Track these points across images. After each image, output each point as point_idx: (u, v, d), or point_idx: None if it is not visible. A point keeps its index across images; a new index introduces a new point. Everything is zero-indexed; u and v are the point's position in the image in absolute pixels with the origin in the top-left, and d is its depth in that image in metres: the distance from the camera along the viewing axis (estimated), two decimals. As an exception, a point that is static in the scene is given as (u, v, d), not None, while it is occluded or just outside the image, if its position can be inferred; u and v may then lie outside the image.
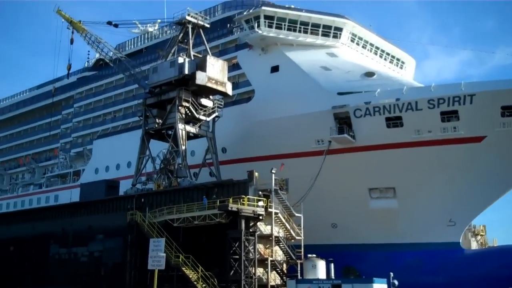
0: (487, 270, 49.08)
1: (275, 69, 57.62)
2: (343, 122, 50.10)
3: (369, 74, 54.17)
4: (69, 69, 72.84)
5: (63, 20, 66.55)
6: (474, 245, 58.19)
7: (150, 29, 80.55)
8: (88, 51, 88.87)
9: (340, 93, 50.83)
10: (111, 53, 63.74)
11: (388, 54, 65.08)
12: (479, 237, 59.83)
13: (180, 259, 40.79)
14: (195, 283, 39.95)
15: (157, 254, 37.94)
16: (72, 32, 66.47)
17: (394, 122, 48.36)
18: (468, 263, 50.12)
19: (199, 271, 40.16)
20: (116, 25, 67.32)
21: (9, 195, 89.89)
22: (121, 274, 47.75)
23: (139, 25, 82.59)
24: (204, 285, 39.62)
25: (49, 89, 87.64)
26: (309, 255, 42.29)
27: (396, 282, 39.19)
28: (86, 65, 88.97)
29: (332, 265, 41.39)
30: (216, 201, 41.39)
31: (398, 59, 66.60)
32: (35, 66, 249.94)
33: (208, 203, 42.19)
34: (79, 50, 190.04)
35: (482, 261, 50.95)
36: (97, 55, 78.35)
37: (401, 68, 67.14)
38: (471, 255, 52.26)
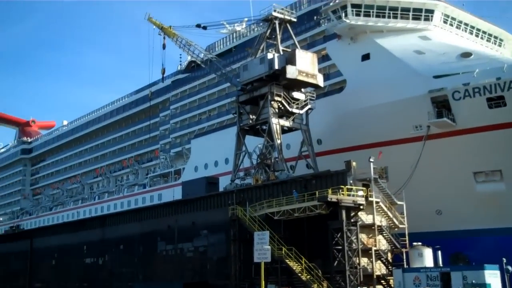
0: None
1: (366, 57, 56.78)
2: (441, 106, 48.68)
3: (466, 54, 52.24)
4: (163, 73, 74.88)
5: (154, 27, 68.75)
6: None
7: (238, 28, 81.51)
8: (180, 54, 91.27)
9: (436, 76, 49.39)
10: (202, 54, 65.14)
11: (484, 32, 62.31)
12: None
13: (283, 251, 41.17)
14: (299, 274, 40.24)
15: (262, 247, 38.42)
16: (164, 38, 68.25)
17: (496, 102, 46.42)
18: None
19: (303, 262, 40.38)
20: (204, 27, 68.56)
21: (115, 196, 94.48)
22: (226, 267, 48.95)
23: (227, 25, 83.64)
24: (308, 276, 39.80)
25: (146, 94, 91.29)
26: (415, 243, 41.42)
27: (510, 268, 37.55)
28: (179, 68, 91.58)
29: (439, 253, 40.19)
30: (315, 192, 41.43)
31: (495, 37, 63.60)
32: (132, 73, 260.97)
33: (306, 195, 42.31)
34: (171, 54, 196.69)
35: None
36: (189, 58, 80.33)
37: (499, 46, 64.05)
38: None
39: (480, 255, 45.53)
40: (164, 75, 76.88)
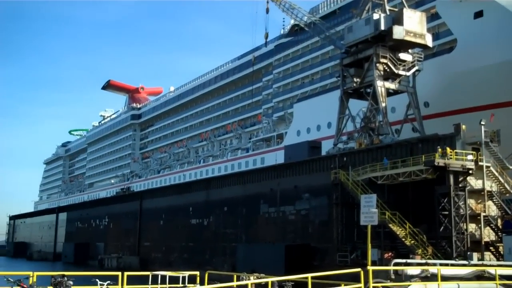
0: None
1: (478, 14, 53.62)
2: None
3: None
4: (266, 37, 75.02)
5: (258, -9, 68.69)
6: None
7: (343, -11, 79.61)
8: (283, 18, 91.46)
9: None
10: (305, 17, 64.65)
11: None
12: None
13: (387, 216, 40.40)
14: (403, 239, 39.41)
15: (369, 210, 37.87)
16: (267, 2, 68.19)
17: None
18: None
19: (407, 227, 39.51)
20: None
21: (219, 160, 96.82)
22: (328, 231, 48.91)
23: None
24: (412, 241, 38.91)
25: (249, 59, 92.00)
26: (527, 209, 39.28)
27: None
28: (282, 32, 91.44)
29: (555, 218, 37.94)
30: (421, 156, 40.08)
31: None
32: (236, 39, 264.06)
33: (412, 159, 40.97)
34: (275, 18, 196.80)
35: None
36: (292, 21, 79.95)
37: None
38: None
39: None
40: (267, 40, 77.05)
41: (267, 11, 69.98)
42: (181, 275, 22.29)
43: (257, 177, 63.33)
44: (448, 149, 39.02)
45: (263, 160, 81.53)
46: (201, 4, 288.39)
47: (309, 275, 16.22)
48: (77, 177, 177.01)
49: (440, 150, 39.36)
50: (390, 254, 41.01)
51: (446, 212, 38.36)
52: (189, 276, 22.39)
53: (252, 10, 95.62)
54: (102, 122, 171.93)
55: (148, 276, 21.84)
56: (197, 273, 22.67)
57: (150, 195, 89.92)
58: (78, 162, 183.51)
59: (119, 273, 18.54)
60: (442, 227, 38.42)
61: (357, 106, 55.93)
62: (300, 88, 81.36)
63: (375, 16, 51.63)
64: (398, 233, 39.78)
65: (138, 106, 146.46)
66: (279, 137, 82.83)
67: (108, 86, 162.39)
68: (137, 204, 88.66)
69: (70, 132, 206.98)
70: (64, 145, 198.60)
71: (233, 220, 64.86)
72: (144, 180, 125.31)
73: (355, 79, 54.67)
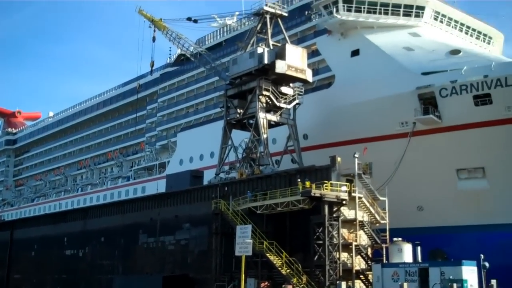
0: None
1: (355, 53, 56.47)
2: (428, 103, 48.39)
3: (455, 52, 52.15)
4: (152, 66, 74.17)
5: (144, 19, 68.11)
6: None
7: (229, 22, 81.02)
8: (170, 48, 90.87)
9: (424, 73, 49.16)
10: (192, 48, 64.76)
11: (474, 30, 62.02)
12: None
13: (264, 245, 40.80)
14: (279, 268, 39.92)
15: (244, 241, 38.33)
16: (154, 31, 67.58)
17: (482, 99, 46.19)
18: None
19: (283, 256, 40.08)
20: (195, 21, 67.99)
21: (99, 188, 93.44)
22: (207, 261, 48.49)
23: (218, 19, 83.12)
24: (288, 270, 39.48)
25: (133, 86, 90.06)
26: (395, 239, 41.14)
27: (487, 264, 37.40)
28: (168, 61, 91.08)
29: (418, 248, 40.04)
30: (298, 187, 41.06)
31: (485, 35, 63.32)
32: (121, 65, 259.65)
33: (292, 189, 41.89)
34: (161, 47, 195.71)
35: None
36: (179, 51, 79.88)
37: (488, 43, 63.83)
38: None
39: (458, 251, 45.28)
40: (153, 68, 76.22)
41: (154, 39, 69.26)
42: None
43: (137, 206, 61.95)
44: (309, 184, 40.03)
45: (144, 189, 79.70)
46: (84, 28, 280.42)
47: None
48: None
49: (299, 183, 40.87)
50: (266, 283, 41.51)
51: (321, 241, 39.25)
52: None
53: (139, 38, 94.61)
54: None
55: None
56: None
57: (22, 224, 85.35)
58: None
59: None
60: (316, 256, 39.18)
61: (240, 137, 56.50)
62: (185, 117, 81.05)
63: (259, 50, 52.73)
64: (274, 262, 40.25)
65: (14, 131, 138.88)
66: (161, 166, 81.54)
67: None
68: (7, 234, 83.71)
69: None
70: None
71: (110, 251, 62.70)
72: (17, 209, 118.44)
73: (238, 110, 55.29)
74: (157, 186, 72.86)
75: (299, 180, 42.08)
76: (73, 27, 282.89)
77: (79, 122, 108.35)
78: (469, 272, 35.12)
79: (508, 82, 44.57)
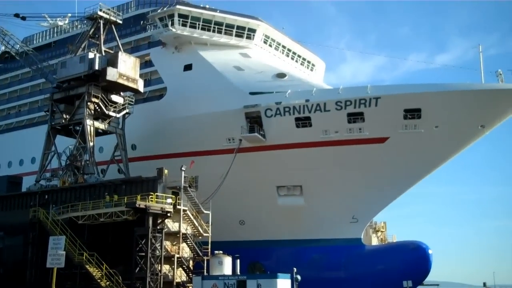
0: (385, 265, 51.25)
1: (188, 67, 57.52)
2: (254, 122, 50.70)
3: (281, 75, 55.15)
4: (-29, 61, 69.09)
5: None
6: (375, 241, 60.11)
7: (60, 23, 78.12)
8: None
9: (252, 93, 51.47)
10: (18, 46, 61.93)
11: (299, 56, 66.45)
12: (379, 233, 61.84)
13: (84, 257, 39.89)
14: (98, 280, 39.26)
15: (57, 252, 37.35)
16: (-24, 24, 63.15)
17: (303, 122, 49.45)
18: (368, 258, 52.07)
19: (103, 268, 39.45)
20: (24, 18, 64.96)
21: None
22: (21, 273, 45.90)
23: (49, 19, 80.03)
24: (108, 282, 38.99)
25: None
26: (216, 252, 42.50)
27: (299, 277, 40.07)
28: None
29: (238, 261, 41.77)
30: (123, 198, 40.73)
31: (308, 62, 68.11)
32: None
33: (114, 200, 41.41)
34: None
35: (381, 256, 53.02)
36: (3, 48, 74.86)
37: (311, 70, 68.71)
38: (371, 251, 54.12)
39: (275, 264, 48.08)
40: (-26, 65, 70.75)
41: (-25, 33, 64.54)
42: None
43: None
44: (117, 197, 40.55)
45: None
46: None
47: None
48: None
49: (108, 197, 41.14)
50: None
51: (143, 254, 39.24)
52: None
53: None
54: None
55: None
56: None
57: None
58: None
59: None
60: (138, 268, 39.09)
61: (64, 143, 54.41)
62: (5, 119, 75.93)
63: (90, 55, 51.75)
64: (94, 274, 39.56)
65: None
66: (-25, 169, 75.38)
67: None
68: None
69: None
70: None
71: None
72: None
73: (64, 116, 53.48)
74: (-31, 191, 67.21)
75: (107, 194, 42.23)
76: None
77: None
78: (284, 285, 37.33)
79: (326, 108, 48.27)
